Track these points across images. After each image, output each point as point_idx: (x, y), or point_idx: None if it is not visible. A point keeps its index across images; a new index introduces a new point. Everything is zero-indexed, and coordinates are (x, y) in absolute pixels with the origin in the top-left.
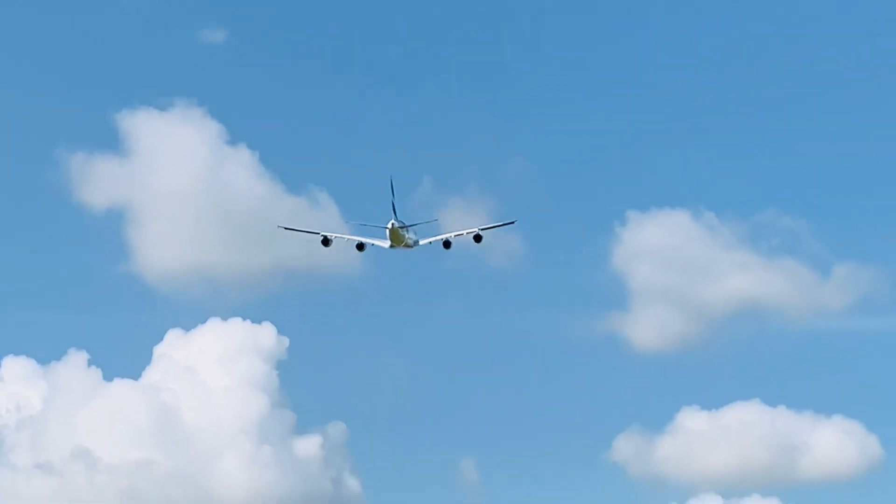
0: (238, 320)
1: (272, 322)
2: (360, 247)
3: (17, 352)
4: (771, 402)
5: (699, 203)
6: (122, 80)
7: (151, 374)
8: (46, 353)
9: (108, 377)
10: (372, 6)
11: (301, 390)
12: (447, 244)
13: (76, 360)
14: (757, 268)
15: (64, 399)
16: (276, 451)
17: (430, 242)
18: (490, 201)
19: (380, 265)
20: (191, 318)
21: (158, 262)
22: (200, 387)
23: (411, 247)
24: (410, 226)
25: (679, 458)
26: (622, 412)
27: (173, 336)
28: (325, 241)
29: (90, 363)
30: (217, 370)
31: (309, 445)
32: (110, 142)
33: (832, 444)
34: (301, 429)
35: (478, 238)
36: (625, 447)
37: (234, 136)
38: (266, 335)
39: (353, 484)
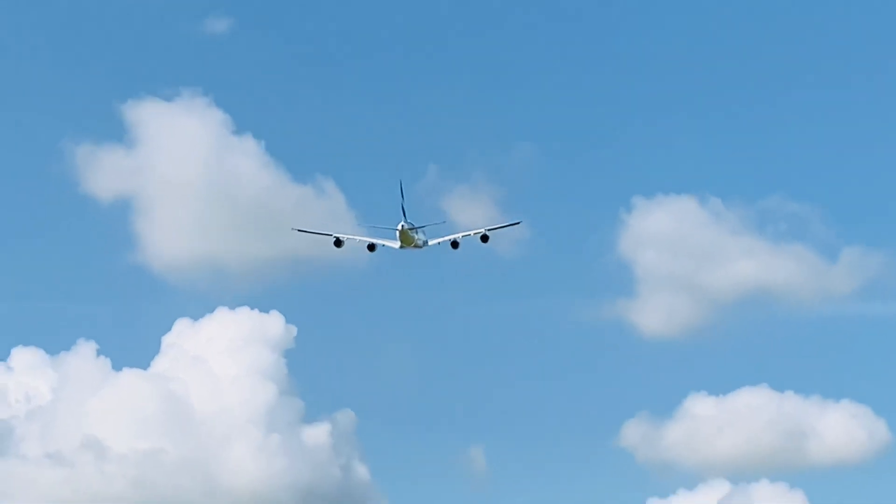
0: (246, 309)
1: (280, 311)
2: (371, 247)
3: (27, 342)
4: (779, 387)
5: (705, 189)
6: (127, 70)
7: (160, 364)
8: (55, 344)
9: (116, 367)
10: None
11: (309, 378)
12: (455, 244)
13: (85, 351)
14: (764, 253)
15: (73, 389)
16: (285, 440)
17: (439, 243)
18: (496, 189)
19: (387, 255)
20: (199, 307)
21: (166, 252)
22: (209, 376)
23: (420, 247)
24: (419, 227)
25: (687, 444)
26: (630, 398)
27: (182, 326)
28: (338, 243)
29: (99, 353)
30: (225, 359)
31: (317, 433)
32: (116, 132)
33: (840, 428)
34: (309, 417)
35: (485, 238)
36: (633, 433)
37: (240, 126)
38: (274, 324)
39: (361, 472)
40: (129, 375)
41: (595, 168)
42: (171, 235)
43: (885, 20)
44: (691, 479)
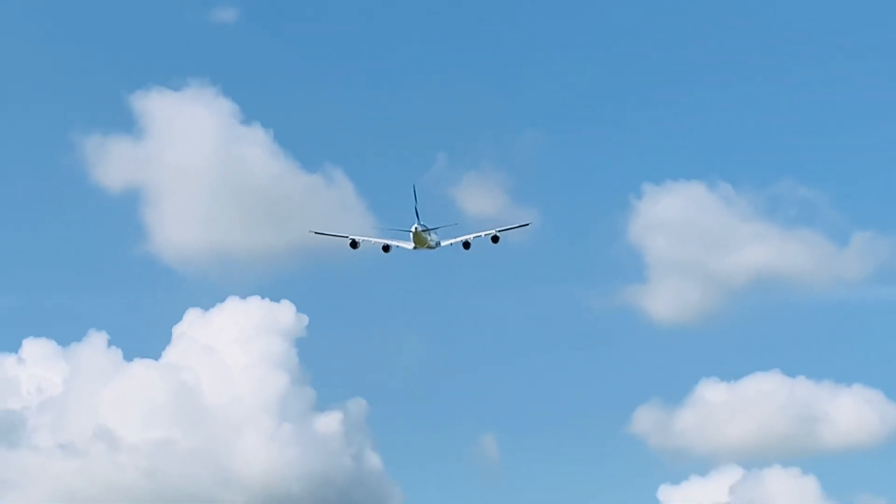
0: (257, 299)
1: (291, 300)
2: (386, 248)
3: (38, 333)
4: (790, 372)
5: (715, 174)
6: (135, 60)
7: (171, 354)
8: (67, 335)
9: (128, 357)
10: None
11: (321, 367)
12: (467, 245)
13: (96, 341)
14: (774, 238)
15: (85, 380)
16: (297, 429)
17: (451, 244)
18: (505, 176)
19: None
20: (209, 297)
21: (176, 242)
22: (220, 366)
23: (433, 248)
24: (432, 229)
25: (699, 430)
26: (641, 385)
27: (192, 315)
28: (354, 244)
29: (110, 344)
30: (237, 349)
31: (329, 422)
32: (125, 123)
33: (852, 413)
34: (321, 406)
35: (495, 239)
36: (645, 420)
37: (249, 115)
38: (285, 313)
39: (373, 460)
40: (141, 366)
41: (604, 154)
42: (180, 225)
43: (894, 4)
44: (703, 465)
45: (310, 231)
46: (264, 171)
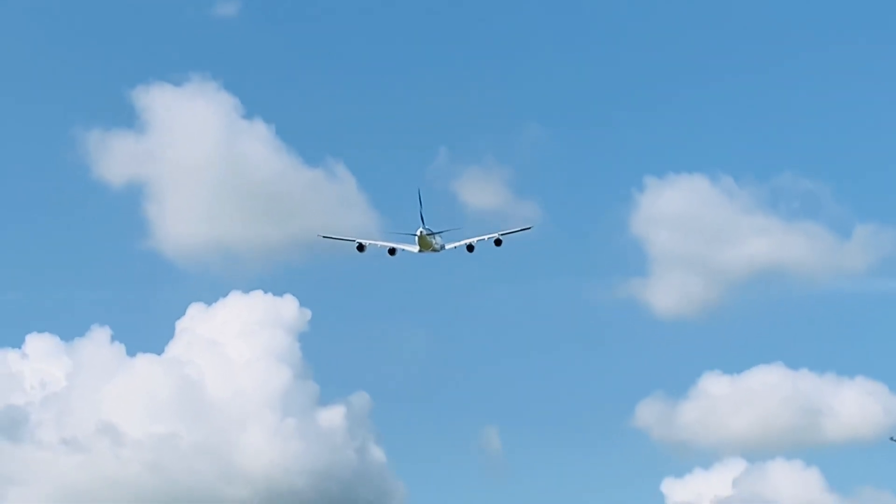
0: (259, 293)
1: (294, 294)
2: (392, 251)
3: (41, 329)
4: (793, 364)
5: (717, 167)
6: (137, 55)
7: (174, 349)
8: (70, 330)
9: (131, 352)
10: None
11: (324, 362)
12: (470, 248)
13: (99, 336)
14: (777, 231)
15: (88, 375)
16: (300, 423)
17: (455, 247)
18: (506, 170)
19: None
20: (212, 291)
21: (178, 237)
22: (223, 360)
23: (438, 251)
24: (437, 232)
25: (702, 423)
26: (644, 378)
27: (195, 310)
28: (360, 247)
29: (113, 339)
30: (240, 343)
31: (332, 416)
32: (127, 118)
33: (855, 405)
34: (324, 400)
35: (498, 242)
36: (648, 413)
37: (250, 110)
38: (288, 307)
39: (377, 454)
40: (144, 360)
41: (606, 148)
42: (183, 220)
43: None
44: (707, 458)
45: (318, 235)
46: (266, 166)
